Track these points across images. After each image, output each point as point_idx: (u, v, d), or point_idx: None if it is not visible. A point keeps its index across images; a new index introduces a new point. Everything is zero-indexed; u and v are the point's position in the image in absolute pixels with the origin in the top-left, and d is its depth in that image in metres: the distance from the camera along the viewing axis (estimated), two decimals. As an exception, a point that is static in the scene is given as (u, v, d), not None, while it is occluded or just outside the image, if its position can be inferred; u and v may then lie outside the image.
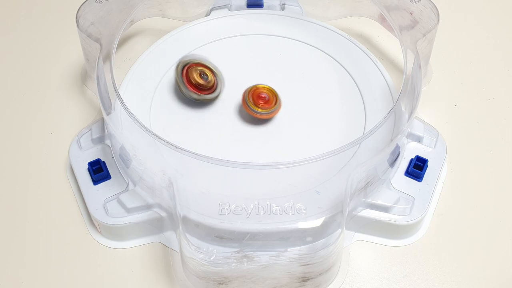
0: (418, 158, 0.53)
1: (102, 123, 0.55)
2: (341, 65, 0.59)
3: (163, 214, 0.50)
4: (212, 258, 0.45)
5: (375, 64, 0.59)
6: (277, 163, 0.46)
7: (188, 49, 0.60)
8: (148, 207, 0.50)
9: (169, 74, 0.58)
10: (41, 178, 0.55)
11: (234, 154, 0.52)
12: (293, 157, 0.47)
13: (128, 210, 0.50)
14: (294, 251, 0.46)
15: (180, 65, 0.55)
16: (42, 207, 0.54)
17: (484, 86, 0.62)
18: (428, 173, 0.53)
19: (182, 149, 0.46)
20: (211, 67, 0.56)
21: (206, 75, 0.55)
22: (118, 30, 0.56)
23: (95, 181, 0.52)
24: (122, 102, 0.50)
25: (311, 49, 0.61)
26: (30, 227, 0.52)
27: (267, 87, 0.54)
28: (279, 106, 0.54)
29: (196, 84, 0.54)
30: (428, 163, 0.53)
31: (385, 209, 0.50)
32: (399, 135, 0.50)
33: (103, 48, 0.54)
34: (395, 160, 0.52)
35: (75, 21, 0.56)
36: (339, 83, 0.58)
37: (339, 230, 0.46)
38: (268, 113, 0.54)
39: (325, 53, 0.60)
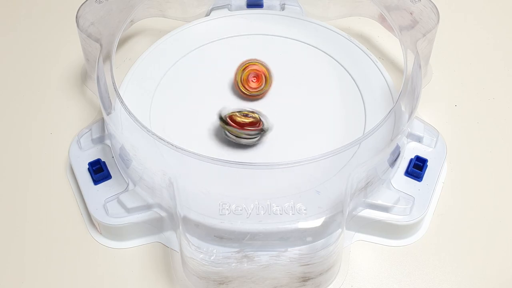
0: (418, 158, 0.53)
1: (102, 123, 0.55)
2: (341, 65, 0.59)
3: (163, 214, 0.50)
4: (212, 258, 0.45)
5: (375, 64, 0.59)
6: (277, 163, 0.46)
7: (188, 49, 0.60)
8: (148, 207, 0.50)
9: (169, 74, 0.58)
10: (41, 178, 0.55)
11: (234, 154, 0.52)
12: (293, 157, 0.47)
13: (128, 210, 0.50)
14: (294, 251, 0.46)
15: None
16: (42, 207, 0.54)
17: (484, 86, 0.62)
18: (428, 173, 0.53)
19: (182, 149, 0.46)
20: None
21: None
22: (118, 30, 0.56)
23: (96, 181, 0.52)
24: (122, 102, 0.50)
25: (311, 49, 0.61)
26: (30, 227, 0.52)
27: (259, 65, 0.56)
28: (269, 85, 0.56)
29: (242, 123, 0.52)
30: (428, 163, 0.53)
31: (385, 209, 0.50)
32: (399, 135, 0.50)
33: (103, 48, 0.54)
34: (395, 160, 0.52)
35: (75, 21, 0.56)
36: (339, 83, 0.58)
37: (339, 230, 0.46)
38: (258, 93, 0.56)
39: (325, 53, 0.60)
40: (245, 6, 0.64)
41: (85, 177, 0.53)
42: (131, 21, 0.60)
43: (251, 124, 0.51)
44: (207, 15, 0.64)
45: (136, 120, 0.49)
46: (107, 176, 0.52)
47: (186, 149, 0.46)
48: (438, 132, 0.55)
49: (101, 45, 0.54)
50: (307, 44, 0.61)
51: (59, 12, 0.69)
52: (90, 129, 0.55)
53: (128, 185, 0.51)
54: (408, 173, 0.53)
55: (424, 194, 0.52)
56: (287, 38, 0.62)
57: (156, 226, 0.51)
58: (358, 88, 0.57)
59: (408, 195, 0.51)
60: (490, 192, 0.55)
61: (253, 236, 0.46)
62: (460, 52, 0.66)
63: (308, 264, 0.46)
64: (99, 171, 0.52)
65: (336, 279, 0.49)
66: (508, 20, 0.69)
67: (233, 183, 0.49)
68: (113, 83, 0.51)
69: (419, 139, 0.54)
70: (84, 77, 0.62)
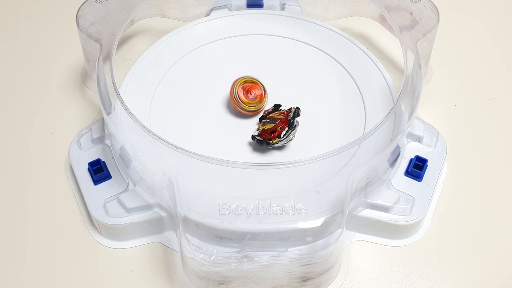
0: (417, 158, 0.53)
1: (102, 123, 0.55)
2: (341, 65, 0.59)
3: (163, 214, 0.50)
4: (212, 258, 0.45)
5: (375, 64, 0.59)
6: (277, 163, 0.46)
7: (188, 49, 0.60)
8: (148, 207, 0.50)
9: (169, 74, 0.58)
10: (41, 178, 0.55)
11: (234, 154, 0.52)
12: (293, 157, 0.47)
13: (128, 210, 0.50)
14: (294, 251, 0.46)
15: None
16: (42, 207, 0.54)
17: (484, 86, 0.62)
18: (428, 173, 0.53)
19: (182, 149, 0.46)
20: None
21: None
22: (118, 30, 0.56)
23: (96, 181, 0.52)
24: (122, 102, 0.50)
25: (311, 49, 0.61)
26: (31, 227, 0.52)
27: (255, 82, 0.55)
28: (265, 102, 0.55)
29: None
30: (428, 163, 0.53)
31: (385, 209, 0.50)
32: (399, 135, 0.50)
33: (103, 48, 0.54)
34: (395, 160, 0.52)
35: (75, 21, 0.56)
36: (339, 83, 0.58)
37: (340, 230, 0.46)
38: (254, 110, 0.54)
39: (325, 53, 0.60)
40: (245, 6, 0.64)
41: (85, 177, 0.53)
42: (131, 21, 0.60)
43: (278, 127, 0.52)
44: (207, 15, 0.64)
45: (136, 120, 0.49)
46: (107, 176, 0.52)
47: (186, 149, 0.46)
48: (438, 132, 0.55)
49: (101, 45, 0.54)
50: (307, 44, 0.61)
51: (59, 12, 0.69)
52: (90, 129, 0.55)
53: (128, 185, 0.51)
54: (408, 173, 0.53)
55: (424, 194, 0.52)
56: (287, 38, 0.62)
57: (156, 226, 0.51)
58: (358, 88, 0.57)
59: (408, 195, 0.51)
60: (490, 192, 0.55)
61: (253, 236, 0.46)
62: (460, 52, 0.66)
63: (308, 264, 0.46)
64: (99, 171, 0.52)
65: (336, 279, 0.49)
66: (508, 20, 0.69)
67: (233, 183, 0.49)
68: (113, 83, 0.51)
69: (419, 139, 0.54)
70: (84, 77, 0.62)
